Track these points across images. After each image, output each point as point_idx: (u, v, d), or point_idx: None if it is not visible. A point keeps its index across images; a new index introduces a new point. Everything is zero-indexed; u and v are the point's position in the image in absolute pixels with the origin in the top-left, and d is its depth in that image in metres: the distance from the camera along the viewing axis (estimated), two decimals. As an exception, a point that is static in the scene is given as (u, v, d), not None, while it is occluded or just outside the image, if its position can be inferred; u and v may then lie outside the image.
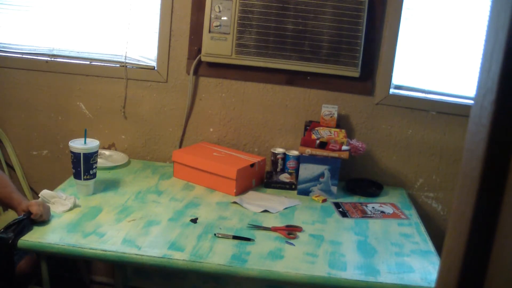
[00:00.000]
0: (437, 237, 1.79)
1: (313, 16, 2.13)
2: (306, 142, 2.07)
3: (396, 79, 2.27)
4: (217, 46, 2.19)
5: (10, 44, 2.39)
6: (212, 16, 2.16)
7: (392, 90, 2.27)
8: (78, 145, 1.87)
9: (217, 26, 2.16)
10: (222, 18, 2.16)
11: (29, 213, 1.61)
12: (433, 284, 1.49)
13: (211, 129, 2.37)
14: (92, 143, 1.90)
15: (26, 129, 2.45)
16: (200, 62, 2.29)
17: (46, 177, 2.46)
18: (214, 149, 2.25)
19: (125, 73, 2.33)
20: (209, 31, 2.18)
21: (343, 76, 2.20)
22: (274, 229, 1.75)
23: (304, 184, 2.10)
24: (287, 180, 2.17)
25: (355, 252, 1.66)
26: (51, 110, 2.42)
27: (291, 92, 2.30)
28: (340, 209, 2.00)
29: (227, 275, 1.56)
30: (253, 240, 1.67)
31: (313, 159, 2.05)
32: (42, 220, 1.64)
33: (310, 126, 2.19)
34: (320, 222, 1.87)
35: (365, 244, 1.72)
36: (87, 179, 1.89)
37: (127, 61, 2.33)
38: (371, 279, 1.50)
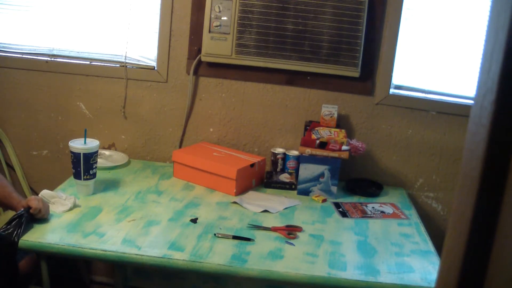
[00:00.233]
0: (437, 237, 1.78)
1: (313, 16, 2.13)
2: (306, 142, 2.07)
3: (396, 79, 2.27)
4: (217, 46, 2.19)
5: (10, 44, 2.39)
6: (212, 16, 2.16)
7: (392, 90, 2.27)
8: (78, 145, 1.87)
9: (217, 26, 2.16)
10: (222, 18, 2.16)
11: (28, 207, 1.61)
12: (433, 284, 1.49)
13: (211, 129, 2.37)
14: (92, 143, 1.90)
15: (26, 129, 2.45)
16: (200, 62, 2.28)
17: (46, 177, 2.46)
18: (214, 149, 2.25)
19: (125, 73, 2.33)
20: (209, 31, 2.18)
21: (343, 76, 2.20)
22: (274, 229, 1.75)
23: (304, 184, 2.10)
24: (287, 180, 2.16)
25: (355, 252, 1.66)
26: (51, 110, 2.42)
27: (291, 92, 2.30)
28: (340, 209, 2.00)
29: (227, 275, 1.56)
30: (253, 240, 1.67)
31: (313, 159, 2.05)
32: (41, 216, 1.64)
33: (310, 126, 2.19)
34: (320, 222, 1.87)
35: (365, 244, 1.72)
36: (87, 179, 1.89)
37: (127, 61, 2.33)
38: (371, 279, 1.50)
